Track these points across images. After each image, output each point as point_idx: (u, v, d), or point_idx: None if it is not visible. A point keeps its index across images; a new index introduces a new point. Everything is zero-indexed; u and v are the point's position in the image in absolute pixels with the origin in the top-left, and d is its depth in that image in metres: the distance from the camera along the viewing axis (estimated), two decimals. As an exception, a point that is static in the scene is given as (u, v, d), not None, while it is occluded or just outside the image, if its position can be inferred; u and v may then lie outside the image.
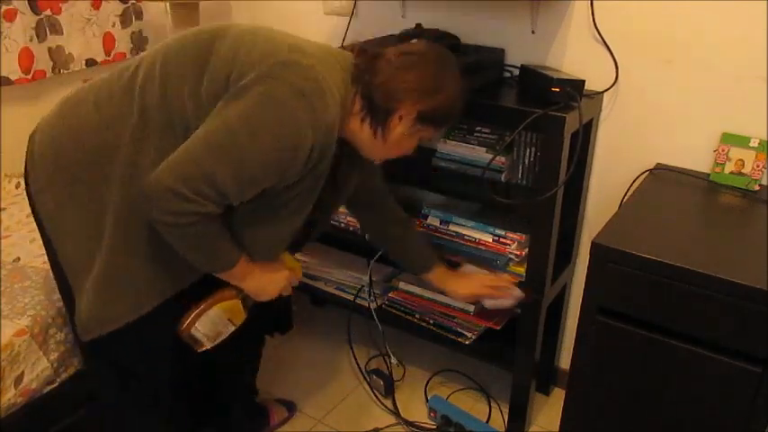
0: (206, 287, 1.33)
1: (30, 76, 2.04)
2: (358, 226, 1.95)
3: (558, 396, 2.02)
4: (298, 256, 1.61)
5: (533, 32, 1.74)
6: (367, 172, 1.53)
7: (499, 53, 1.76)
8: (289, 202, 1.25)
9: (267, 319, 1.76)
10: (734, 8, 1.46)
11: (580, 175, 1.72)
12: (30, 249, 1.71)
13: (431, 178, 1.76)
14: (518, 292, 1.63)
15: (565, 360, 2.02)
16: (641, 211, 1.41)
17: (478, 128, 1.78)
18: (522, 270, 1.68)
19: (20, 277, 1.57)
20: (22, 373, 1.39)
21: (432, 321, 1.91)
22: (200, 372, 1.60)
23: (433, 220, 1.80)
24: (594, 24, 1.64)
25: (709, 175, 1.58)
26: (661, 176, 1.59)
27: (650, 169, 1.63)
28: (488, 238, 1.71)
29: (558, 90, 1.49)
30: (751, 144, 1.51)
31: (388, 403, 1.98)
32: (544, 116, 1.46)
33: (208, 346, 1.38)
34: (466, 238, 1.75)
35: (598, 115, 1.70)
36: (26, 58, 2.02)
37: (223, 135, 1.11)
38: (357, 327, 2.29)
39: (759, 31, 1.46)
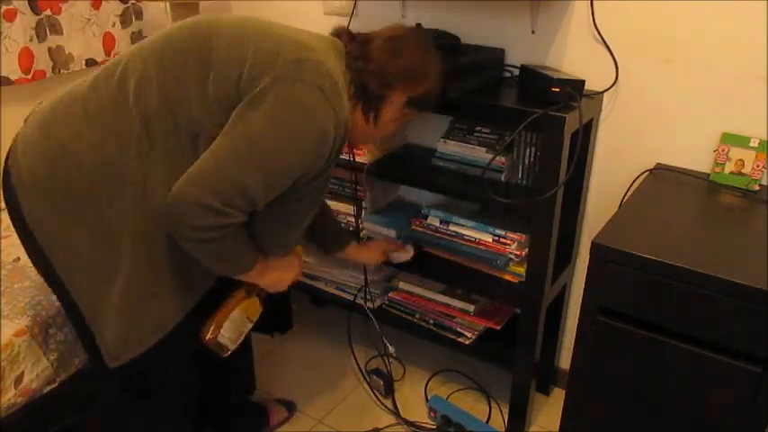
0: (217, 290, 1.34)
1: (30, 76, 2.04)
2: (358, 225, 1.96)
3: (558, 396, 2.02)
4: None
5: (533, 32, 1.74)
6: None
7: (499, 53, 1.76)
8: (304, 198, 1.25)
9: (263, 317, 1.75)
10: (734, 8, 1.46)
11: (580, 175, 1.72)
12: (30, 249, 1.71)
13: (431, 178, 1.76)
14: (410, 248, 1.81)
15: (565, 360, 2.02)
16: (641, 211, 1.41)
17: (478, 128, 1.78)
18: (522, 270, 1.68)
19: (20, 277, 1.57)
20: (22, 372, 1.39)
21: (432, 321, 1.91)
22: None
23: (433, 220, 1.80)
24: (594, 24, 1.64)
25: (709, 175, 1.58)
26: (661, 176, 1.59)
27: (650, 169, 1.63)
28: (488, 238, 1.71)
29: (558, 90, 1.49)
30: (751, 144, 1.51)
31: (388, 403, 1.98)
32: (544, 116, 1.46)
33: (232, 348, 1.38)
34: (466, 238, 1.75)
35: (598, 115, 1.70)
36: (26, 58, 2.02)
37: (250, 143, 1.10)
38: (357, 327, 2.29)
39: (759, 31, 1.46)
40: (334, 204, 1.99)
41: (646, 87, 1.63)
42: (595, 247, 1.27)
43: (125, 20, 2.33)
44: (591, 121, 1.66)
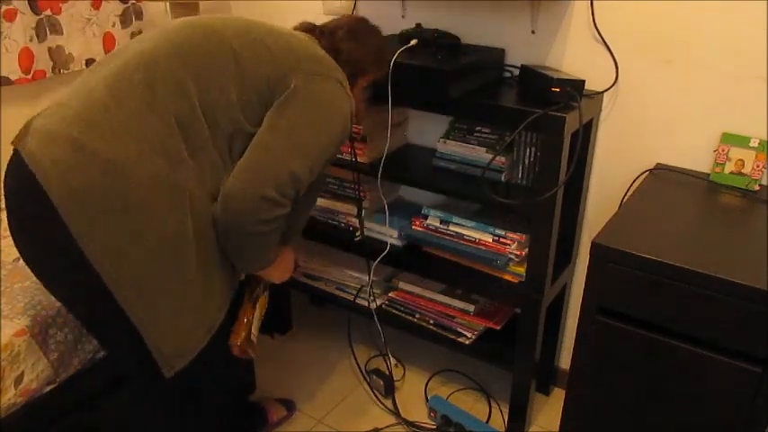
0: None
1: (30, 76, 2.04)
2: (358, 225, 1.96)
3: (558, 396, 2.02)
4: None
5: (533, 32, 1.74)
6: None
7: (499, 53, 1.76)
8: (319, 182, 1.35)
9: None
10: (734, 8, 1.47)
11: (580, 175, 1.72)
12: (30, 249, 1.71)
13: (431, 178, 1.76)
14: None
15: (565, 360, 2.02)
16: (641, 211, 1.41)
17: (478, 128, 1.78)
18: (522, 270, 1.69)
19: (20, 277, 1.57)
20: (22, 372, 1.39)
21: (432, 321, 1.91)
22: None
23: (433, 220, 1.80)
24: (594, 24, 1.64)
25: (709, 175, 1.58)
26: (661, 176, 1.59)
27: (650, 169, 1.63)
28: (488, 238, 1.71)
29: (558, 90, 1.49)
30: (751, 144, 1.51)
31: (388, 403, 1.98)
32: (544, 116, 1.46)
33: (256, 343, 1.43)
34: (466, 238, 1.75)
35: (598, 115, 1.70)
36: (26, 58, 2.02)
37: (295, 135, 1.21)
38: (357, 327, 2.29)
39: (759, 31, 1.46)
40: (334, 204, 1.99)
41: (646, 87, 1.63)
42: (595, 247, 1.27)
43: (125, 20, 2.33)
44: (591, 121, 1.66)
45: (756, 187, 1.52)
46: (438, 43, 1.69)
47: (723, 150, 1.54)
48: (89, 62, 2.26)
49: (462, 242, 1.76)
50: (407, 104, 1.70)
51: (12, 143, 1.18)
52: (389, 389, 2.00)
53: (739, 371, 1.19)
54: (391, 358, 2.16)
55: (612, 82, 1.66)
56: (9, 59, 1.98)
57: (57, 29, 2.12)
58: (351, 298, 2.03)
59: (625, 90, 1.66)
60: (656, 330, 1.26)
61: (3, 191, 1.20)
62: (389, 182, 1.98)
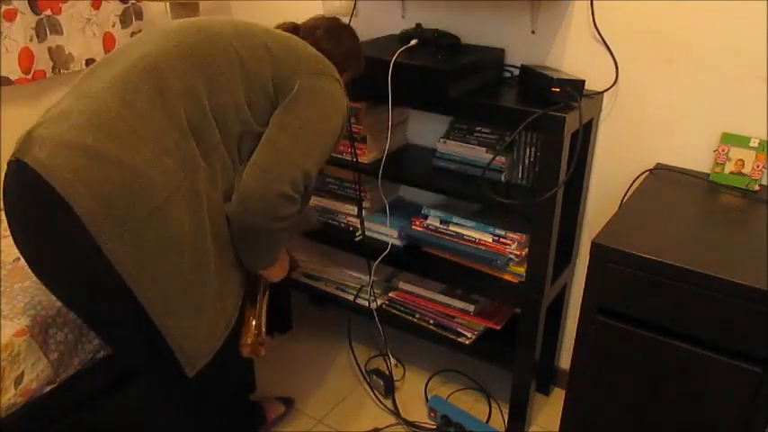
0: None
1: (30, 76, 2.04)
2: (358, 225, 1.96)
3: (558, 396, 2.02)
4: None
5: (533, 32, 1.74)
6: None
7: (499, 53, 1.76)
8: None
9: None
10: (734, 8, 1.47)
11: (580, 175, 1.72)
12: (30, 249, 1.71)
13: (431, 178, 1.76)
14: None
15: (565, 360, 2.02)
16: (641, 211, 1.41)
17: (478, 128, 1.78)
18: (522, 270, 1.69)
19: (20, 277, 1.57)
20: (22, 373, 1.39)
21: (432, 321, 1.91)
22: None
23: (433, 220, 1.80)
24: (594, 24, 1.64)
25: (709, 175, 1.58)
26: (661, 176, 1.59)
27: (650, 169, 1.63)
28: (488, 238, 1.71)
29: (558, 90, 1.49)
30: (751, 144, 1.51)
31: (388, 403, 1.98)
32: (544, 116, 1.46)
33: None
34: (466, 238, 1.75)
35: (598, 115, 1.70)
36: (26, 58, 2.02)
37: (305, 132, 1.25)
38: (357, 327, 2.29)
39: (759, 31, 1.46)
40: (334, 204, 1.99)
41: (646, 87, 1.63)
42: (595, 247, 1.27)
43: (125, 20, 2.33)
44: (591, 121, 1.66)
45: (756, 187, 1.52)
46: (438, 43, 1.69)
47: (723, 150, 1.54)
48: (89, 62, 2.26)
49: (462, 242, 1.76)
50: (407, 104, 1.70)
51: (13, 155, 1.13)
52: (389, 389, 2.00)
53: (739, 371, 1.19)
54: (391, 358, 2.16)
55: (612, 82, 1.66)
56: (9, 59, 1.98)
57: (57, 29, 2.12)
58: (351, 298, 2.03)
59: (625, 90, 1.66)
60: (656, 330, 1.26)
61: (3, 201, 1.18)
62: (389, 182, 1.98)
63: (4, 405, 1.36)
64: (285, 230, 1.26)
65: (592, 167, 1.77)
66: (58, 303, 1.48)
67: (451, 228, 1.77)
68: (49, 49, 2.11)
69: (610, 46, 1.64)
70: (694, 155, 1.62)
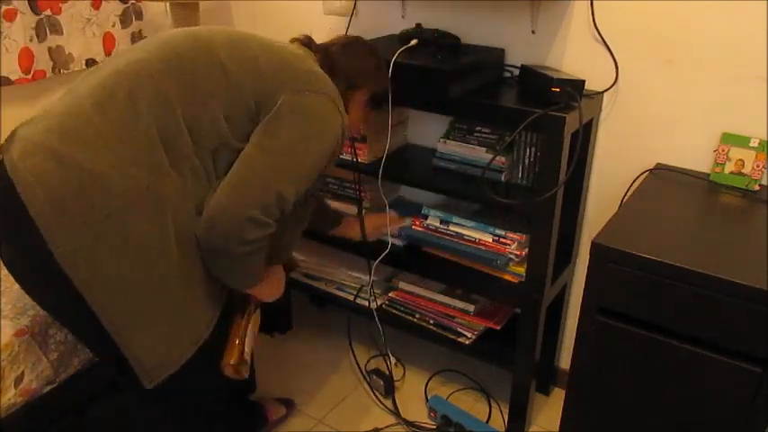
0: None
1: (30, 76, 2.04)
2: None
3: (558, 396, 2.02)
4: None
5: (533, 32, 1.74)
6: None
7: (499, 53, 1.76)
8: (309, 198, 1.33)
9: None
10: (734, 8, 1.46)
11: (580, 175, 1.72)
12: (30, 249, 1.70)
13: (431, 178, 1.76)
14: (407, 219, 1.86)
15: (565, 360, 2.02)
16: (641, 211, 1.41)
17: (478, 128, 1.78)
18: (522, 270, 1.68)
19: (20, 277, 1.57)
20: (22, 372, 1.39)
21: (432, 321, 1.91)
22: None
23: (433, 220, 1.80)
24: (594, 24, 1.64)
25: (709, 175, 1.58)
26: (661, 176, 1.59)
27: (650, 169, 1.63)
28: (488, 238, 1.71)
29: (558, 90, 1.49)
30: (751, 144, 1.51)
31: (388, 403, 1.98)
32: (544, 116, 1.46)
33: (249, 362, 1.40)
34: (466, 238, 1.75)
35: (598, 115, 1.70)
36: (26, 58, 2.02)
37: (282, 154, 1.19)
38: (357, 327, 2.29)
39: (759, 31, 1.46)
40: (334, 204, 1.99)
41: (646, 87, 1.63)
42: (595, 247, 1.27)
43: (125, 20, 2.33)
44: (591, 121, 1.66)
45: (756, 187, 1.52)
46: (438, 43, 1.69)
47: (723, 150, 1.54)
48: (89, 62, 2.26)
49: (462, 242, 1.76)
50: (407, 104, 1.70)
51: None
52: (389, 389, 2.00)
53: (739, 371, 1.19)
54: (391, 358, 2.16)
55: (612, 82, 1.66)
56: (9, 59, 1.98)
57: (57, 29, 2.12)
58: (351, 298, 2.03)
59: (625, 90, 1.66)
60: (656, 330, 1.26)
61: None
62: (389, 182, 1.98)
63: (4, 405, 1.36)
64: (254, 253, 1.19)
65: (592, 167, 1.77)
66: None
67: (451, 228, 1.77)
68: (49, 49, 2.11)
69: (610, 46, 1.64)
70: (694, 155, 1.62)
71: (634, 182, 1.66)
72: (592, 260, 1.29)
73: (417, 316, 1.94)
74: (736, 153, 1.53)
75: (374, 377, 2.02)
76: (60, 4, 2.10)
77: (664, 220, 1.37)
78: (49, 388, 1.46)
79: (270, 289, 1.44)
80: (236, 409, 1.80)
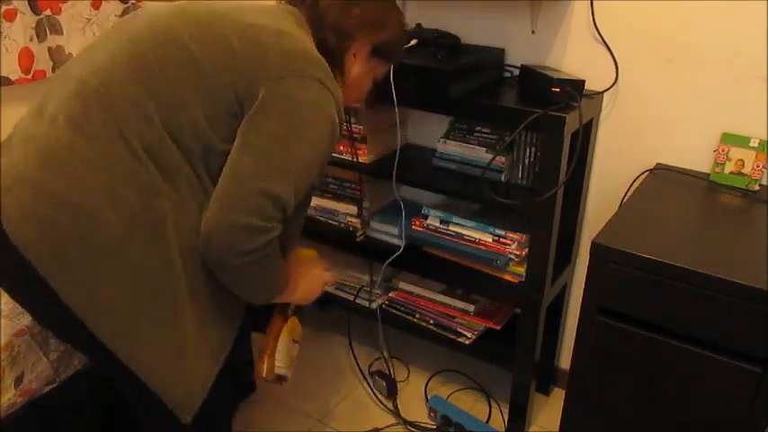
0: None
1: (30, 76, 2.04)
2: (358, 226, 1.96)
3: (558, 396, 2.02)
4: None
5: (533, 32, 1.74)
6: None
7: (499, 53, 1.76)
8: (312, 185, 1.23)
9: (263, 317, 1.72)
10: (734, 8, 1.47)
11: (580, 175, 1.72)
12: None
13: (431, 178, 1.76)
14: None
15: (565, 360, 2.02)
16: (641, 211, 1.41)
17: (478, 128, 1.78)
18: (522, 270, 1.69)
19: (20, 277, 1.57)
20: (23, 372, 1.39)
21: (432, 321, 1.91)
22: None
23: (433, 220, 1.80)
24: (594, 24, 1.64)
25: (709, 175, 1.58)
26: (661, 176, 1.59)
27: (650, 169, 1.63)
28: (488, 238, 1.71)
29: (558, 90, 1.49)
30: (751, 144, 1.51)
31: (388, 403, 1.98)
32: (544, 116, 1.46)
33: (289, 375, 1.35)
34: (466, 238, 1.75)
35: (598, 115, 1.70)
36: (26, 58, 2.02)
37: (269, 151, 1.07)
38: (357, 327, 2.29)
39: (759, 31, 1.46)
40: (334, 204, 1.99)
41: (646, 87, 1.63)
42: (595, 247, 1.27)
43: (125, 20, 2.33)
44: (591, 121, 1.66)
45: (756, 187, 1.52)
46: (438, 43, 1.69)
47: (723, 150, 1.54)
48: (89, 62, 2.25)
49: (462, 242, 1.76)
50: (407, 104, 1.70)
51: None
52: (392, 391, 2.00)
53: (739, 371, 1.19)
54: (393, 360, 2.16)
55: (612, 82, 1.66)
56: (9, 59, 1.98)
57: (57, 29, 2.12)
58: (351, 298, 2.03)
59: (625, 90, 1.66)
60: (656, 330, 1.26)
61: None
62: (389, 182, 1.98)
63: (4, 405, 1.36)
64: (260, 262, 1.09)
65: (592, 167, 1.77)
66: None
67: (451, 228, 1.77)
68: (49, 49, 2.11)
69: (610, 46, 1.64)
70: (694, 155, 1.62)
71: (634, 182, 1.66)
72: (592, 260, 1.29)
73: (417, 316, 1.94)
74: (736, 153, 1.53)
75: (377, 378, 2.02)
76: (60, 4, 2.10)
77: (664, 220, 1.37)
78: (49, 388, 1.46)
79: (303, 290, 1.33)
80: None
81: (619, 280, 1.26)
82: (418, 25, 1.77)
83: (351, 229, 1.97)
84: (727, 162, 1.54)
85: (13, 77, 2.00)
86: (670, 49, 1.57)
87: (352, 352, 2.20)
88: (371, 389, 2.04)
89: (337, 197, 2.00)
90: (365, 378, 2.08)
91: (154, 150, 1.06)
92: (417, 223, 1.82)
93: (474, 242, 1.74)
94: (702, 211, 1.43)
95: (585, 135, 1.67)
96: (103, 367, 1.17)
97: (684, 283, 1.19)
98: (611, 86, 1.67)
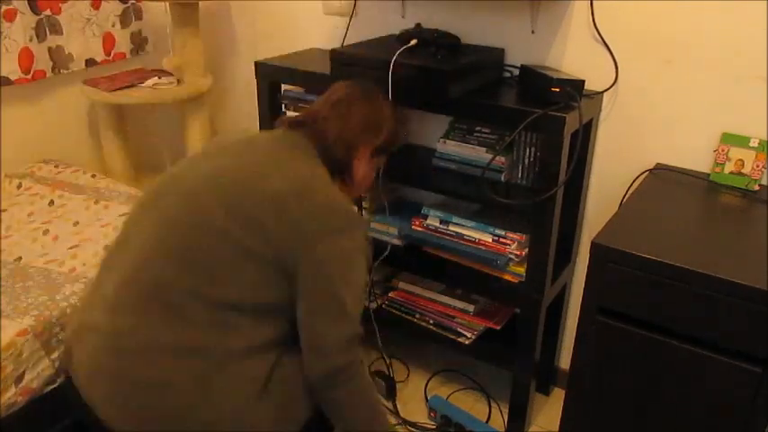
0: None
1: (30, 76, 2.05)
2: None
3: (558, 396, 2.02)
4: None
5: (533, 32, 1.74)
6: None
7: (499, 53, 1.76)
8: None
9: None
10: (734, 8, 1.47)
11: (580, 175, 1.72)
12: (31, 249, 1.71)
13: (431, 178, 1.76)
14: None
15: (565, 360, 2.03)
16: (641, 211, 1.41)
17: (478, 128, 1.78)
18: (522, 270, 1.69)
19: (21, 277, 1.57)
20: (23, 372, 1.39)
21: (431, 321, 1.91)
22: None
23: (433, 220, 1.80)
24: (594, 24, 1.64)
25: (709, 175, 1.58)
26: (661, 176, 1.59)
27: (650, 169, 1.63)
28: (488, 238, 1.71)
29: (558, 90, 1.50)
30: (751, 144, 1.51)
31: (388, 403, 1.98)
32: (544, 116, 1.46)
33: None
34: (466, 238, 1.75)
35: (598, 115, 1.70)
36: (26, 58, 2.02)
37: (334, 305, 1.16)
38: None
39: (759, 31, 1.46)
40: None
41: (646, 87, 1.63)
42: (595, 247, 1.27)
43: (125, 20, 2.33)
44: (591, 121, 1.66)
45: (756, 187, 1.52)
46: (438, 43, 1.69)
47: (723, 150, 1.54)
48: (89, 62, 2.26)
49: (462, 242, 1.76)
50: (407, 104, 1.70)
51: (65, 353, 1.19)
52: (392, 392, 2.00)
53: (739, 371, 1.19)
54: (392, 360, 2.16)
55: (612, 82, 1.66)
56: (9, 59, 1.99)
57: (56, 29, 2.12)
58: (351, 298, 2.03)
59: (625, 90, 1.66)
60: (656, 330, 1.26)
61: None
62: (389, 182, 1.98)
63: (4, 404, 1.36)
64: (361, 375, 1.21)
65: (592, 167, 1.77)
66: (62, 303, 1.48)
67: (451, 228, 1.77)
68: (49, 49, 2.12)
69: (610, 46, 1.64)
70: (694, 155, 1.62)
71: (634, 182, 1.66)
72: (592, 260, 1.29)
73: (417, 316, 1.94)
74: (736, 153, 1.53)
75: (377, 378, 2.02)
76: (60, 4, 2.10)
77: (664, 220, 1.37)
78: (49, 388, 1.46)
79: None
80: None
81: (619, 280, 1.26)
82: (418, 25, 1.77)
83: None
84: (727, 162, 1.54)
85: (12, 77, 2.00)
86: (670, 49, 1.57)
87: (353, 352, 2.20)
88: (371, 389, 2.04)
89: (337, 197, 2.00)
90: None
91: (219, 322, 1.12)
92: (417, 223, 1.83)
93: (474, 242, 1.74)
94: (702, 211, 1.43)
95: (585, 135, 1.67)
96: None
97: (684, 283, 1.19)
98: (611, 86, 1.67)
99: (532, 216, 1.56)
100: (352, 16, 2.02)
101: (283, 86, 1.96)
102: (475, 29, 1.82)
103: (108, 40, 2.29)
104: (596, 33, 1.65)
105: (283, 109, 1.94)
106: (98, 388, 1.11)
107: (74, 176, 2.09)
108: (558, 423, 1.48)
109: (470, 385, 2.08)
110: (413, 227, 1.84)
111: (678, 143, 1.63)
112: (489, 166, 1.69)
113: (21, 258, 1.66)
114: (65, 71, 2.17)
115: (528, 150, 1.71)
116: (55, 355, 1.46)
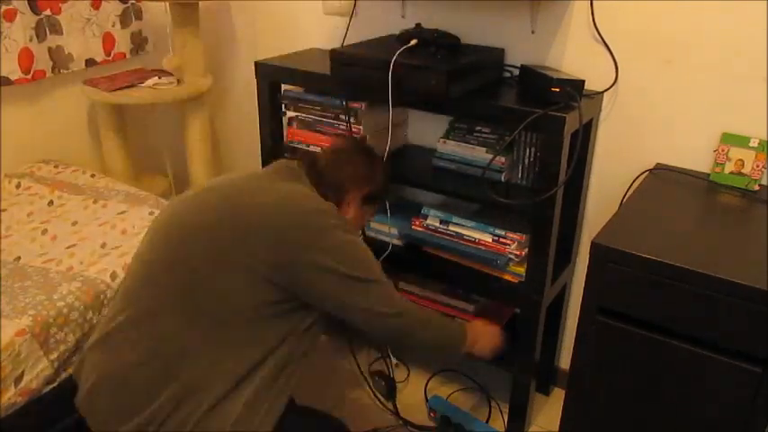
0: None
1: (30, 76, 2.04)
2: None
3: (558, 396, 2.02)
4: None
5: (533, 32, 1.74)
6: None
7: (499, 53, 1.76)
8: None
9: None
10: (734, 8, 1.47)
11: (580, 174, 1.72)
12: (30, 249, 1.71)
13: (431, 178, 1.76)
14: None
15: (565, 360, 2.02)
16: (641, 211, 1.41)
17: (478, 128, 1.78)
18: (522, 270, 1.69)
19: (20, 277, 1.57)
20: (23, 372, 1.39)
21: (432, 321, 1.91)
22: None
23: (433, 220, 1.80)
24: (594, 24, 1.64)
25: (709, 175, 1.58)
26: (661, 176, 1.59)
27: (650, 169, 1.63)
28: (488, 238, 1.71)
29: (557, 90, 1.49)
30: (751, 144, 1.51)
31: (388, 404, 1.98)
32: (544, 116, 1.46)
33: None
34: (466, 238, 1.75)
35: (598, 115, 1.70)
36: (26, 57, 2.02)
37: (357, 271, 1.31)
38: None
39: (759, 31, 1.46)
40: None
41: (645, 87, 1.63)
42: (595, 247, 1.27)
43: (125, 20, 2.33)
44: (591, 121, 1.66)
45: (756, 187, 1.52)
46: (438, 43, 1.69)
47: (723, 150, 1.54)
48: (89, 62, 2.26)
49: (462, 242, 1.76)
50: (407, 104, 1.70)
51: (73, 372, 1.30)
52: (392, 392, 2.00)
53: (739, 371, 1.19)
54: (394, 360, 2.16)
55: (612, 82, 1.66)
56: (9, 59, 1.99)
57: (56, 29, 2.12)
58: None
59: (625, 90, 1.66)
60: (656, 330, 1.26)
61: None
62: (389, 182, 1.98)
63: (4, 405, 1.36)
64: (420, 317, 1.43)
65: (592, 167, 1.77)
66: (60, 303, 1.48)
67: (451, 228, 1.77)
68: (49, 49, 2.12)
69: (610, 46, 1.64)
70: (694, 155, 1.62)
71: (634, 182, 1.66)
72: (592, 260, 1.29)
73: (417, 316, 1.94)
74: (735, 153, 1.53)
75: (377, 379, 2.02)
76: (60, 4, 2.10)
77: (664, 220, 1.37)
78: (48, 388, 1.46)
79: (486, 339, 1.55)
80: None
81: (619, 280, 1.26)
82: (418, 25, 1.77)
83: (351, 229, 1.97)
84: (727, 162, 1.54)
85: (13, 77, 2.00)
86: (670, 49, 1.57)
87: (352, 352, 2.20)
88: (371, 389, 2.04)
89: (337, 197, 2.00)
90: (365, 378, 2.08)
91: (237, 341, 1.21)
92: (417, 223, 1.83)
93: (474, 242, 1.74)
94: (702, 211, 1.43)
95: (585, 135, 1.67)
96: None
97: (684, 283, 1.19)
98: (611, 86, 1.67)
99: (532, 216, 1.56)
100: (352, 16, 2.02)
101: (283, 86, 1.96)
102: (475, 29, 1.82)
103: (108, 40, 2.29)
104: (596, 33, 1.65)
105: (283, 109, 1.94)
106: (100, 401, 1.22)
107: (73, 176, 2.09)
108: (558, 423, 1.48)
109: (470, 385, 2.08)
110: (413, 227, 1.84)
111: (678, 143, 1.63)
112: (489, 166, 1.69)
113: (20, 258, 1.66)
114: (65, 71, 2.17)
115: (528, 150, 1.71)
116: (54, 355, 1.46)
